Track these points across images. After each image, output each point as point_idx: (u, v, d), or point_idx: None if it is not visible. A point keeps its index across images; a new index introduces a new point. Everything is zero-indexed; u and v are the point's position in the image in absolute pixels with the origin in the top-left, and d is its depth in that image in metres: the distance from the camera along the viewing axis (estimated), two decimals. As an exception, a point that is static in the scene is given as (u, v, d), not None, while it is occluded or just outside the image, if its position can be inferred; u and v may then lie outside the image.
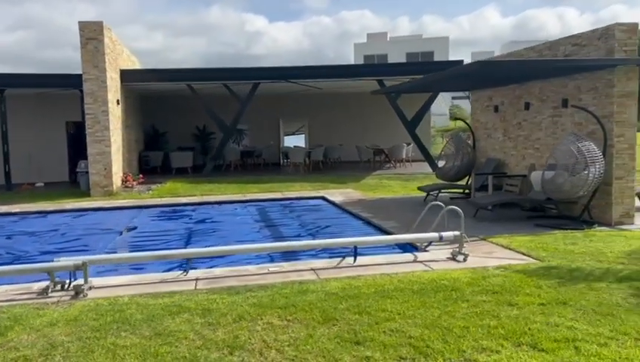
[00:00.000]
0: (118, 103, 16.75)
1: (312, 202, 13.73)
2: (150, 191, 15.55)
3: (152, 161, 20.99)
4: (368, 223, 10.29)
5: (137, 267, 7.43)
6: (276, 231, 10.45)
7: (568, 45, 9.73)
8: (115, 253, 8.91)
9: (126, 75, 17.73)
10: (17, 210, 12.96)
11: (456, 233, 7.08)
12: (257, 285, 5.93)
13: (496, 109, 12.46)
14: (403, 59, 44.17)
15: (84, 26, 15.01)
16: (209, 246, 8.74)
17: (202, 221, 11.75)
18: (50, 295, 5.79)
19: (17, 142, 18.18)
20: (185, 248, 8.65)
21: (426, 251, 7.45)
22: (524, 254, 7.04)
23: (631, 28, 8.71)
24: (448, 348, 4.17)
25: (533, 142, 10.99)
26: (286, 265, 6.88)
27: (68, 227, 11.32)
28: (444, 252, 7.22)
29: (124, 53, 18.60)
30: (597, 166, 8.57)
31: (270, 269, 6.68)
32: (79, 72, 15.19)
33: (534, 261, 6.70)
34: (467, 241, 7.05)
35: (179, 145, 22.89)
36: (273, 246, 8.01)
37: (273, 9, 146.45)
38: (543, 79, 10.55)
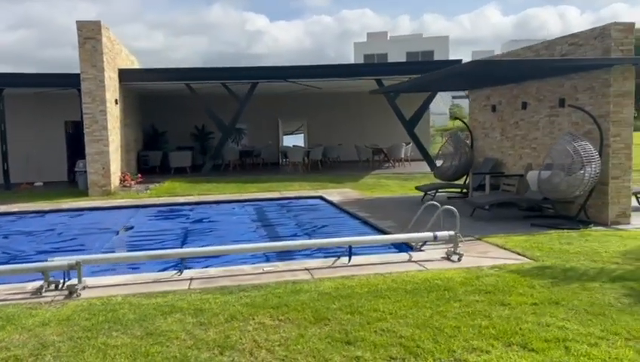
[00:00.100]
0: (116, 103, 16.75)
1: (309, 202, 13.74)
2: (148, 191, 15.55)
3: (150, 161, 20.99)
4: (365, 223, 10.30)
5: (132, 267, 7.43)
6: (273, 230, 10.46)
7: (565, 45, 9.72)
8: (110, 252, 8.91)
9: (124, 75, 17.73)
10: (15, 210, 12.98)
11: (451, 233, 7.08)
12: (251, 285, 5.93)
13: (493, 109, 12.44)
14: (403, 59, 44.17)
15: (82, 25, 15.00)
16: (205, 245, 8.74)
17: (199, 221, 11.76)
18: (43, 295, 5.80)
19: (16, 141, 18.25)
20: (180, 248, 8.65)
21: (421, 251, 7.45)
22: (519, 254, 7.04)
23: (627, 27, 8.71)
24: (439, 347, 4.17)
25: (530, 142, 10.98)
26: (281, 265, 6.88)
27: (65, 226, 11.33)
28: (439, 251, 7.22)
29: (122, 53, 18.60)
30: (593, 165, 8.56)
31: (265, 269, 6.68)
32: (79, 71, 15.19)
33: (529, 261, 6.69)
34: (462, 241, 7.04)
35: (178, 145, 22.89)
36: (268, 246, 8.01)
37: (274, 8, 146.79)
38: (540, 79, 10.54)
